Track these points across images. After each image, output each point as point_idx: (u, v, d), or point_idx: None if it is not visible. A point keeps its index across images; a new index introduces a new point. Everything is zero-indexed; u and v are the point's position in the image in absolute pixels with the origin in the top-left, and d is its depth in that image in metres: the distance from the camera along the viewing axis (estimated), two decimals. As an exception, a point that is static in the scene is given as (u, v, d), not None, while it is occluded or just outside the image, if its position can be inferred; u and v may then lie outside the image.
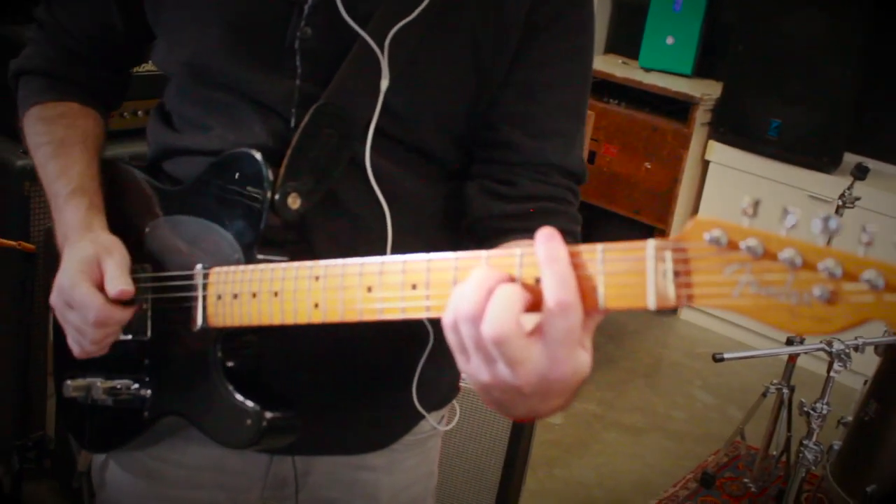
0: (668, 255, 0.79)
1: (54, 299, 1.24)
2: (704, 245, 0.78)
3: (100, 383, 1.33)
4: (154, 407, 1.29)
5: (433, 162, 1.28)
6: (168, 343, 1.25)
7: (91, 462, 1.53)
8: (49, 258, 1.49)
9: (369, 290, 0.97)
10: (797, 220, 0.75)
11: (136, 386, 1.30)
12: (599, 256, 0.82)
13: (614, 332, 4.72)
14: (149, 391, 1.29)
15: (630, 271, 0.81)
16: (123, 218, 1.33)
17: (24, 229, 2.78)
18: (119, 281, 1.20)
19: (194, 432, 1.25)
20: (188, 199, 1.28)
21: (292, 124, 1.22)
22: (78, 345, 1.25)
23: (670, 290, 0.79)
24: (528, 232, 1.23)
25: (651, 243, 0.80)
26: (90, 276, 1.20)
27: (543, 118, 1.28)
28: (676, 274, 0.79)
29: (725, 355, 2.74)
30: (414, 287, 0.93)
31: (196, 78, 1.29)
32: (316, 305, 1.03)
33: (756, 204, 0.78)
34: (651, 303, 0.79)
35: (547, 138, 1.28)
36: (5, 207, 2.83)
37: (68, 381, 1.34)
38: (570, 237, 1.28)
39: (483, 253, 0.89)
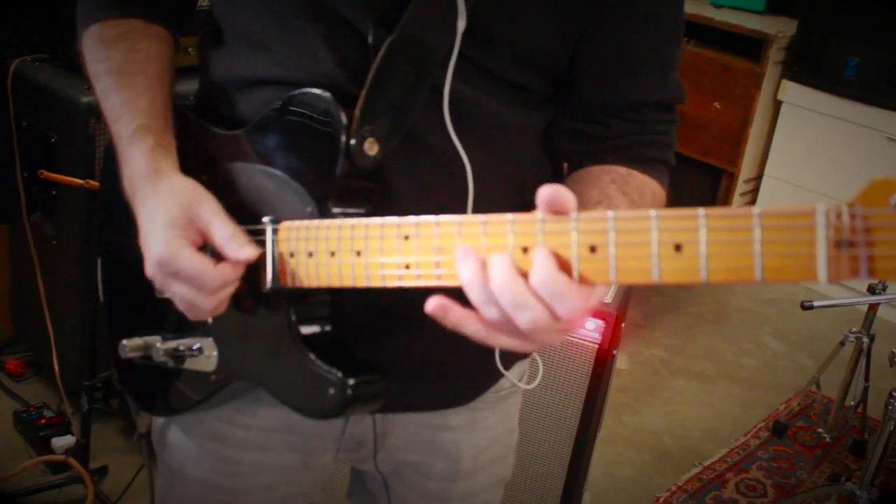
0: (846, 222, 0.69)
1: (152, 271, 1.08)
2: (890, 210, 0.68)
3: (159, 344, 1.21)
4: (222, 370, 1.19)
5: (521, 90, 1.18)
6: (234, 303, 1.12)
7: (151, 423, 1.45)
8: (103, 195, 1.39)
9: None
10: None
11: (198, 346, 1.20)
12: (756, 222, 0.72)
13: (680, 277, 4.62)
14: (214, 353, 1.19)
15: (795, 241, 0.70)
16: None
17: (89, 167, 2.74)
18: (238, 241, 1.06)
19: (263, 393, 1.16)
20: (250, 144, 1.15)
21: (370, 40, 1.09)
22: (191, 313, 1.10)
23: (845, 262, 0.69)
24: (620, 160, 1.19)
25: (821, 209, 0.69)
26: (189, 239, 1.07)
27: (641, 53, 1.20)
28: (852, 244, 0.69)
29: (815, 303, 2.63)
30: (525, 251, 0.84)
31: None
32: (407, 267, 0.94)
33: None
34: (822, 276, 0.70)
35: (643, 74, 1.21)
36: (71, 145, 2.79)
37: (124, 342, 1.22)
38: (662, 165, 1.25)
39: (572, 215, 0.82)
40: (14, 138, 2.92)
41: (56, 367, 2.94)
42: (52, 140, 2.82)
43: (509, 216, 0.85)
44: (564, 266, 0.82)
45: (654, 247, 0.76)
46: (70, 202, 2.82)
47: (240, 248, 1.06)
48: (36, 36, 3.02)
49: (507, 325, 0.87)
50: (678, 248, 0.74)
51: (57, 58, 2.93)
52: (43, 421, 2.91)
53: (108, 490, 2.72)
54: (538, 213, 0.84)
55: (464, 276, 0.87)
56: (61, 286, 2.95)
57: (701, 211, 0.74)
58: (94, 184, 2.44)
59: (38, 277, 2.97)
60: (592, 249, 0.79)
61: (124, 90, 1.17)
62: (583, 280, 0.82)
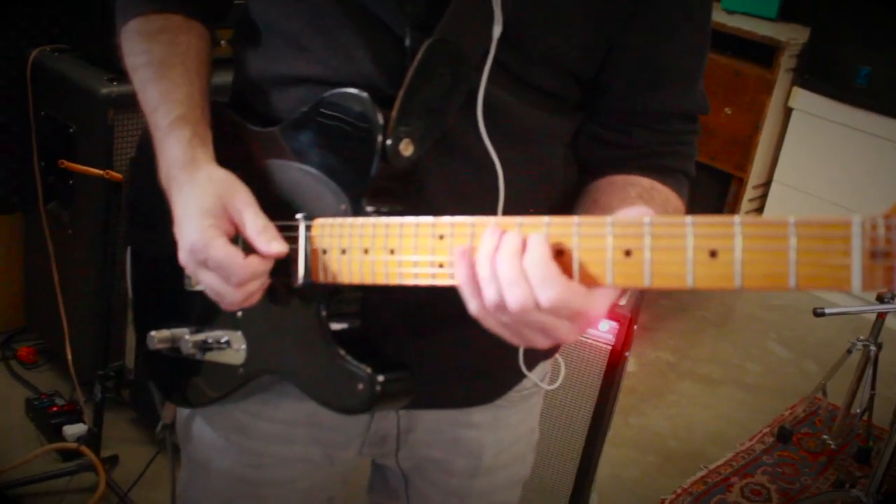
0: (881, 233, 0.71)
1: (185, 259, 1.11)
2: None
3: (188, 336, 1.23)
4: (250, 364, 1.21)
5: (552, 96, 1.20)
6: (265, 297, 1.14)
7: (176, 414, 1.46)
8: (135, 188, 1.41)
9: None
10: None
11: (227, 339, 1.22)
12: (792, 231, 0.74)
13: (687, 280, 4.63)
14: (243, 346, 1.21)
15: (831, 250, 0.72)
16: None
17: (107, 157, 2.75)
18: (268, 235, 1.09)
19: (290, 386, 1.19)
20: (285, 141, 1.17)
21: (406, 43, 1.11)
22: (221, 304, 1.14)
23: (879, 272, 0.71)
24: (642, 170, 1.21)
25: (857, 220, 0.71)
26: (222, 229, 1.09)
27: (669, 63, 1.22)
28: (888, 255, 0.70)
29: (827, 310, 2.64)
30: (560, 253, 0.87)
31: None
32: (441, 266, 0.96)
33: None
34: (856, 285, 0.72)
35: (670, 85, 1.23)
36: (89, 135, 2.81)
37: (153, 333, 1.24)
38: (683, 175, 1.26)
39: (608, 219, 0.85)
40: (32, 128, 2.94)
41: (69, 356, 2.96)
42: (71, 130, 2.83)
43: (545, 218, 0.87)
44: (565, 263, 0.86)
45: (689, 252, 0.78)
46: (87, 192, 2.84)
47: (269, 243, 1.08)
48: (55, 26, 3.04)
49: (500, 308, 0.90)
50: (713, 254, 0.76)
51: (76, 48, 2.94)
52: (55, 409, 2.92)
53: (119, 479, 2.74)
54: (574, 217, 0.86)
55: (480, 250, 0.90)
56: (75, 276, 2.97)
57: (737, 218, 0.76)
58: (115, 174, 2.46)
59: (52, 266, 2.99)
60: (627, 253, 0.81)
61: (163, 81, 1.19)
62: (583, 280, 0.85)
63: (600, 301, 0.88)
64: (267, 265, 1.10)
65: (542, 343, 0.94)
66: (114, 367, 2.84)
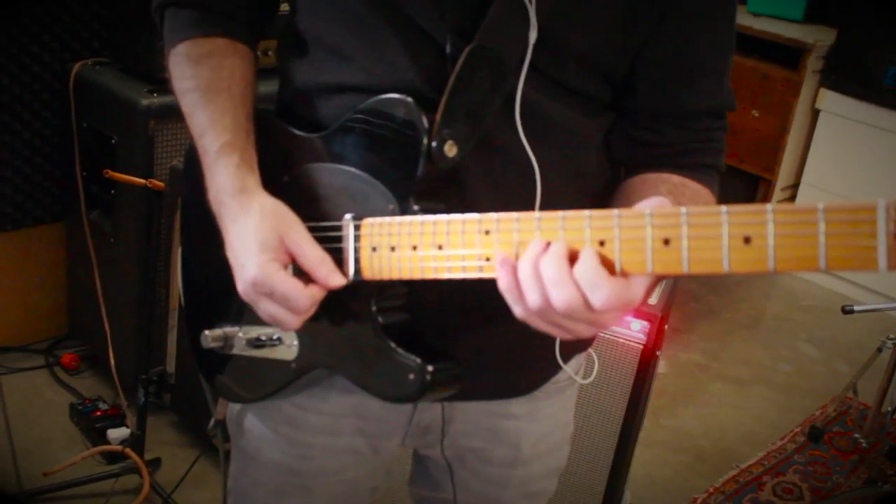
0: None
1: (247, 291, 1.17)
2: None
3: (241, 334, 1.29)
4: (302, 359, 1.26)
5: (585, 98, 1.25)
6: None
7: (227, 410, 1.52)
8: (178, 196, 1.46)
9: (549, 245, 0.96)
10: None
11: (278, 336, 1.27)
12: (821, 216, 0.79)
13: (716, 283, 4.66)
14: (295, 342, 1.26)
15: (858, 233, 0.77)
16: (259, 168, 1.25)
17: (148, 167, 2.83)
18: (327, 268, 1.15)
19: (336, 380, 1.25)
20: (332, 146, 1.23)
21: (447, 50, 1.17)
22: (276, 326, 1.20)
23: None
24: (674, 167, 1.26)
25: (882, 203, 0.76)
26: (281, 262, 1.15)
27: (698, 62, 1.26)
28: None
29: (855, 308, 2.67)
30: (602, 244, 0.92)
31: None
32: (487, 259, 1.01)
33: None
34: (882, 265, 0.77)
35: (699, 83, 1.27)
36: (131, 146, 2.88)
37: (206, 333, 1.31)
38: (713, 170, 1.31)
39: (647, 210, 0.89)
40: (75, 139, 3.02)
41: (112, 362, 3.03)
42: (112, 141, 2.91)
43: (587, 212, 0.92)
44: (607, 252, 0.91)
45: (724, 239, 0.83)
46: (128, 201, 2.91)
47: (328, 276, 1.15)
48: (96, 40, 3.12)
49: (545, 310, 0.96)
50: (747, 240, 0.82)
51: (117, 61, 3.01)
52: (98, 413, 2.99)
53: (162, 481, 2.80)
54: (614, 210, 0.91)
55: (523, 255, 0.96)
56: (117, 283, 3.04)
57: (769, 206, 0.81)
58: (157, 183, 2.53)
59: (95, 274, 3.06)
60: (666, 242, 0.87)
61: (209, 106, 1.25)
62: (624, 268, 0.91)
63: (639, 288, 0.93)
64: (325, 291, 1.16)
65: (587, 333, 1.00)
66: (155, 372, 2.92)
